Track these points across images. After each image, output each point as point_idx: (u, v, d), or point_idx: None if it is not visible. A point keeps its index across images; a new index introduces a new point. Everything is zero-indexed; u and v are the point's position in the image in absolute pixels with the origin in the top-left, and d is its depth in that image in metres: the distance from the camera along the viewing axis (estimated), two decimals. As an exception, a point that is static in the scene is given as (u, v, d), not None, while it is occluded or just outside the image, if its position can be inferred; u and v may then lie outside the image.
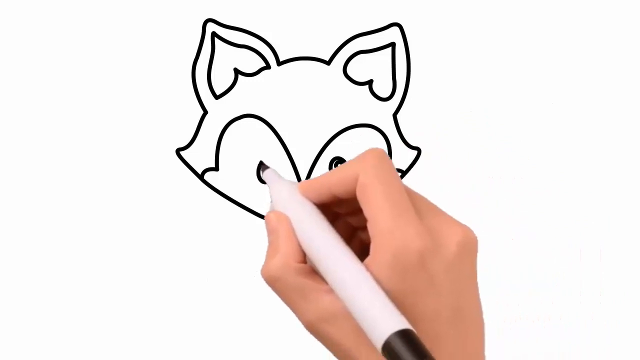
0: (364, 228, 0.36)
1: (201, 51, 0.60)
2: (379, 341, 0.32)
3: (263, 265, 0.38)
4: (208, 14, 0.60)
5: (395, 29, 0.60)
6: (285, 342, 0.60)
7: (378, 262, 0.35)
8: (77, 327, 0.60)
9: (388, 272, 0.34)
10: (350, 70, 0.60)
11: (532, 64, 0.60)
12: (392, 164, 0.37)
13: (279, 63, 0.60)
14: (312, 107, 0.60)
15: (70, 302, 0.60)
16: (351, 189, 0.37)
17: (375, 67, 0.60)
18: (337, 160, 0.59)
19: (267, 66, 0.60)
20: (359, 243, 0.40)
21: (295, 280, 0.37)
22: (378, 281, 0.34)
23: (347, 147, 0.59)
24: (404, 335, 0.31)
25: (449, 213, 0.38)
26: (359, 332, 0.34)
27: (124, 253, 0.60)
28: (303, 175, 0.59)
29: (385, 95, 0.60)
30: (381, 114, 0.60)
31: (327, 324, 0.36)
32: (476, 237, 0.37)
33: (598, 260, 0.61)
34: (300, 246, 0.37)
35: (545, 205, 0.60)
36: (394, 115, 0.60)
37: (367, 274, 0.34)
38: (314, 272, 0.37)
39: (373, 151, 0.37)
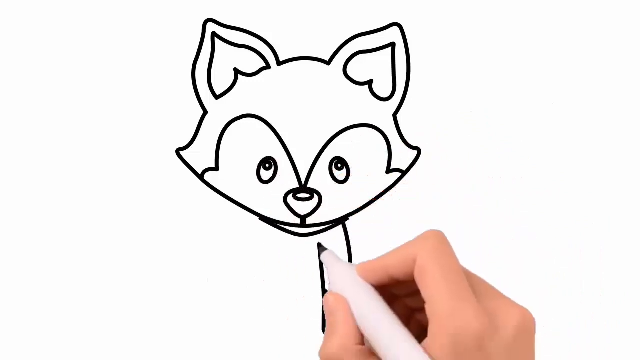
0: (422, 310, 0.37)
1: (201, 51, 0.60)
2: None
3: (322, 346, 0.38)
4: (208, 14, 0.60)
5: (395, 29, 0.60)
6: (285, 342, 0.61)
7: (437, 344, 0.35)
8: (77, 327, 0.60)
9: (446, 355, 0.34)
10: (350, 70, 0.60)
11: (532, 64, 0.60)
12: (450, 246, 0.37)
13: (279, 63, 0.60)
14: (312, 107, 0.60)
15: (70, 302, 0.60)
16: (409, 271, 0.37)
17: (375, 67, 0.60)
18: (337, 160, 0.59)
19: (267, 66, 0.60)
20: (417, 325, 0.40)
21: None
22: None
23: (347, 147, 0.59)
24: None
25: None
26: None
27: (124, 253, 0.60)
28: (303, 175, 0.59)
29: (385, 95, 0.60)
30: (381, 114, 0.60)
31: None
32: (534, 319, 0.37)
33: (598, 260, 0.61)
34: (358, 328, 0.38)
35: (545, 205, 0.61)
36: (394, 115, 0.60)
37: (426, 356, 0.35)
38: (373, 354, 0.37)
39: (431, 233, 0.38)
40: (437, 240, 0.37)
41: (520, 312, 0.37)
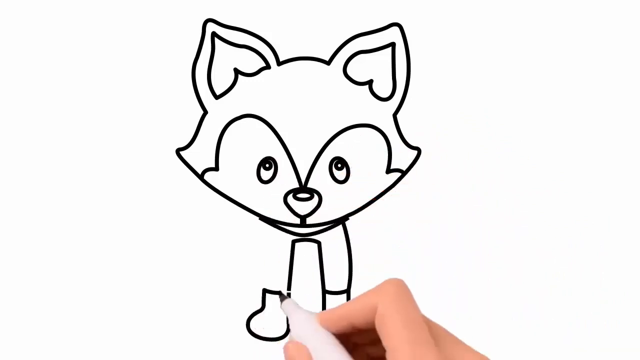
0: (383, 358, 0.37)
1: (201, 51, 0.60)
2: None
3: None
4: (208, 14, 0.60)
5: (395, 29, 0.60)
6: (284, 341, 0.60)
7: None
8: (77, 327, 0.60)
9: None
10: (350, 70, 0.60)
11: (532, 64, 0.60)
12: (410, 294, 0.38)
13: (279, 63, 0.60)
14: (312, 107, 0.60)
15: (70, 302, 0.60)
16: (370, 320, 0.37)
17: (375, 67, 0.60)
18: (337, 160, 0.59)
19: (267, 66, 0.60)
20: None
21: None
22: None
23: (347, 147, 0.59)
24: None
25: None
26: None
27: (124, 253, 0.60)
28: (303, 176, 0.59)
29: (385, 95, 0.60)
30: (381, 114, 0.60)
31: None
32: None
33: (598, 260, 0.61)
34: None
35: (545, 205, 0.61)
36: (394, 115, 0.60)
37: None
38: None
39: (391, 282, 0.38)
40: (398, 289, 0.38)
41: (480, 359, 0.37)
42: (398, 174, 0.60)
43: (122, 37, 0.60)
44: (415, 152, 0.60)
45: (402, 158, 0.60)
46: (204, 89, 0.60)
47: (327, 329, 0.39)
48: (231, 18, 0.60)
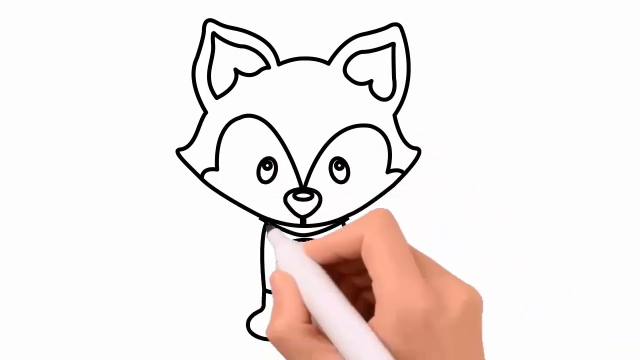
0: (369, 288, 0.37)
1: (201, 51, 0.60)
2: None
3: (268, 325, 0.38)
4: (208, 14, 0.60)
5: (395, 29, 0.60)
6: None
7: (383, 322, 0.35)
8: (77, 326, 0.60)
9: (393, 333, 0.35)
10: (350, 70, 0.60)
11: (532, 64, 0.60)
12: (397, 225, 0.37)
13: (279, 63, 0.60)
14: (312, 107, 0.60)
15: (70, 302, 0.60)
16: (356, 250, 0.37)
17: (375, 67, 0.60)
18: (337, 160, 0.59)
19: (267, 66, 0.60)
20: (363, 303, 0.40)
21: (301, 341, 0.37)
22: (383, 342, 0.35)
23: (347, 147, 0.59)
24: None
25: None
26: None
27: (124, 253, 0.60)
28: (303, 176, 0.59)
29: (385, 95, 0.60)
30: (381, 114, 0.60)
31: None
32: (481, 297, 0.38)
33: (598, 260, 0.61)
34: (305, 306, 0.38)
35: (546, 205, 0.60)
36: (394, 115, 0.60)
37: (373, 335, 0.35)
38: (320, 333, 0.37)
39: (378, 212, 0.38)
40: (385, 219, 0.37)
41: (467, 291, 0.37)
42: (398, 174, 0.60)
43: (122, 37, 0.60)
44: (415, 152, 0.60)
45: (402, 158, 0.60)
46: (204, 89, 0.60)
47: (314, 259, 0.39)
48: (231, 18, 0.60)
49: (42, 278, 0.60)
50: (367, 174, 0.60)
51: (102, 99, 0.60)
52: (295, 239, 0.60)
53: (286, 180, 0.59)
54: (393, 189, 0.60)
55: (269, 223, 0.44)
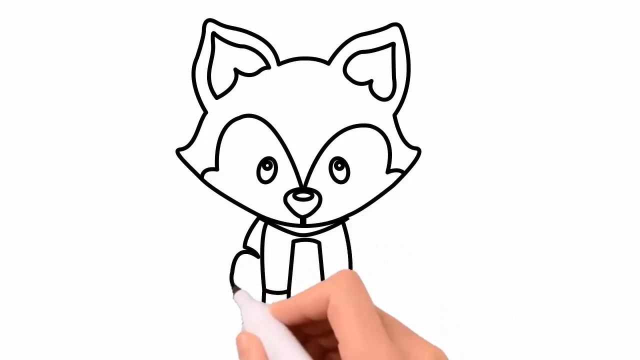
0: (336, 349, 0.37)
1: (201, 51, 0.60)
2: None
3: None
4: (208, 14, 0.60)
5: (395, 29, 0.60)
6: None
7: None
8: (77, 326, 0.60)
9: None
10: (350, 70, 0.60)
11: (532, 64, 0.60)
12: (363, 286, 0.38)
13: (279, 63, 0.60)
14: (312, 107, 0.60)
15: (70, 302, 0.60)
16: (322, 311, 0.37)
17: (375, 67, 0.60)
18: (337, 160, 0.59)
19: (267, 66, 0.60)
20: None
21: None
22: None
23: (347, 147, 0.59)
24: None
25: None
26: None
27: (124, 253, 0.60)
28: (303, 176, 0.59)
29: (385, 95, 0.60)
30: (381, 114, 0.60)
31: None
32: (447, 358, 0.38)
33: (597, 260, 0.61)
34: None
35: (546, 206, 0.60)
36: (394, 115, 0.60)
37: None
38: None
39: (344, 273, 0.38)
40: (350, 280, 0.37)
41: (432, 352, 0.37)
42: (398, 174, 0.60)
43: (122, 37, 0.60)
44: (415, 152, 0.60)
45: (402, 158, 0.60)
46: (204, 89, 0.60)
47: (280, 320, 0.39)
48: (231, 18, 0.60)
49: (42, 276, 0.60)
50: (367, 174, 0.60)
51: (102, 99, 0.60)
52: (295, 240, 0.60)
53: (286, 180, 0.60)
54: (393, 189, 0.60)
55: (234, 284, 0.45)
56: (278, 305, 0.40)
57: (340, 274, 0.38)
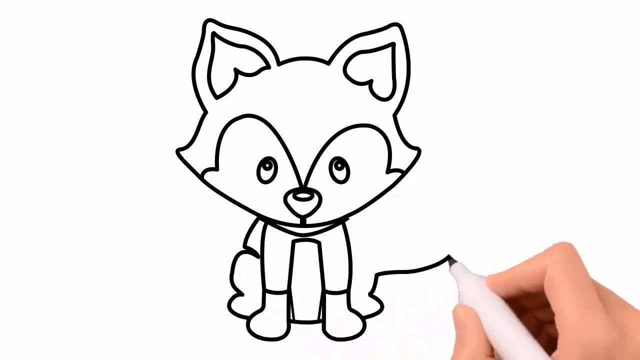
0: (552, 322, 0.37)
1: (201, 51, 0.60)
2: None
3: (451, 358, 0.39)
4: (208, 14, 0.60)
5: (395, 29, 0.60)
6: (285, 342, 0.61)
7: (566, 356, 0.35)
8: (77, 326, 0.60)
9: None
10: (350, 70, 0.60)
11: (532, 64, 0.60)
12: (579, 258, 0.38)
13: (279, 63, 0.60)
14: (312, 107, 0.60)
15: (69, 302, 0.60)
16: (539, 283, 0.38)
17: (375, 67, 0.60)
18: (337, 160, 0.59)
19: (267, 66, 0.60)
20: (546, 337, 0.41)
21: None
22: None
23: (347, 147, 0.59)
24: None
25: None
26: None
27: (124, 253, 0.60)
28: (303, 176, 0.59)
29: (385, 95, 0.60)
30: (381, 114, 0.60)
31: None
32: None
33: (598, 260, 0.61)
34: (488, 340, 0.38)
35: (546, 206, 0.60)
36: (394, 115, 0.60)
37: None
38: None
39: (561, 245, 0.38)
40: (567, 252, 0.38)
41: None
42: (398, 174, 0.60)
43: (122, 37, 0.60)
44: (415, 152, 0.60)
45: (402, 158, 0.60)
46: (204, 89, 0.60)
47: (496, 292, 0.39)
48: (231, 18, 0.60)
49: (42, 276, 0.60)
50: (367, 174, 0.60)
51: (102, 99, 0.60)
52: (295, 240, 0.60)
53: (286, 180, 0.60)
54: (393, 189, 0.60)
55: (451, 257, 0.45)
56: (495, 277, 0.40)
57: (556, 246, 0.38)
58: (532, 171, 0.61)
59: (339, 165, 0.59)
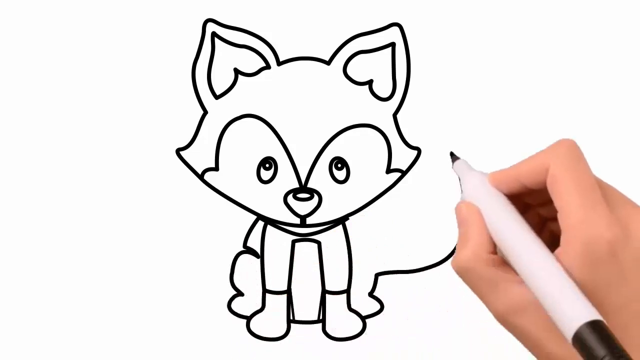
0: (555, 219, 0.37)
1: (201, 51, 0.60)
2: (569, 332, 0.32)
3: (454, 256, 0.38)
4: (208, 14, 0.60)
5: (395, 29, 0.60)
6: (285, 342, 0.60)
7: (569, 252, 0.35)
8: (77, 326, 0.60)
9: (579, 263, 0.34)
10: (350, 70, 0.60)
11: (532, 64, 0.60)
12: (582, 155, 0.37)
13: (279, 63, 0.60)
14: (312, 107, 0.60)
15: (69, 302, 0.60)
16: (542, 180, 0.37)
17: (375, 67, 0.60)
18: (337, 160, 0.59)
19: (267, 66, 0.60)
20: (549, 234, 0.40)
21: (486, 271, 0.37)
22: (568, 272, 0.34)
23: (347, 147, 0.59)
24: (595, 326, 0.32)
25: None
26: (549, 323, 0.34)
27: (124, 253, 0.60)
28: (303, 176, 0.59)
29: (385, 95, 0.60)
30: (381, 114, 0.60)
31: (517, 315, 0.36)
32: None
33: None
34: (490, 237, 0.37)
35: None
36: (394, 115, 0.60)
37: (558, 265, 0.35)
38: (505, 263, 0.37)
39: (564, 142, 0.38)
40: (570, 149, 0.37)
41: None
42: (398, 174, 0.60)
43: (122, 37, 0.60)
44: (415, 152, 0.60)
45: (402, 158, 0.60)
46: (204, 89, 0.60)
47: (499, 189, 0.39)
48: (231, 18, 0.60)
49: (42, 276, 0.60)
50: (367, 174, 0.60)
51: (102, 99, 0.60)
52: (295, 240, 0.60)
53: (286, 180, 0.59)
54: (393, 189, 0.60)
55: (453, 153, 0.44)
56: (497, 174, 0.39)
57: (560, 142, 0.38)
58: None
59: (339, 165, 0.59)
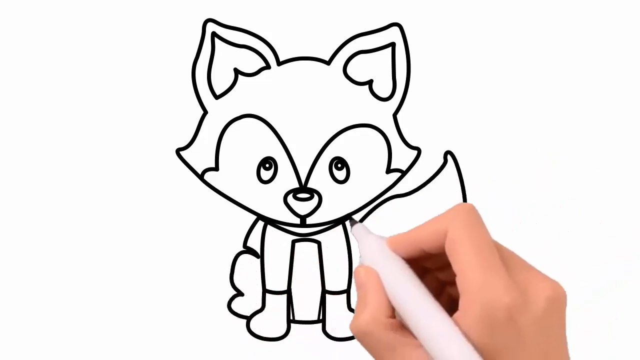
0: (453, 283, 0.37)
1: (201, 51, 0.60)
2: None
3: (352, 320, 0.38)
4: (208, 14, 0.60)
5: (395, 29, 0.60)
6: (286, 342, 0.61)
7: (467, 317, 0.35)
8: (77, 326, 0.60)
9: (477, 327, 0.34)
10: (350, 70, 0.60)
11: (532, 64, 0.60)
12: (480, 219, 0.37)
13: (279, 63, 0.60)
14: (312, 107, 0.60)
15: (69, 302, 0.60)
16: (440, 244, 0.37)
17: (375, 67, 0.60)
18: (337, 160, 0.59)
19: (267, 66, 0.60)
20: (447, 298, 0.40)
21: (385, 335, 0.37)
22: (467, 336, 0.35)
23: (347, 147, 0.59)
24: None
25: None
26: None
27: (124, 253, 0.60)
28: (303, 176, 0.59)
29: (385, 95, 0.60)
30: (381, 114, 0.60)
31: None
32: (565, 292, 0.37)
33: (598, 260, 0.61)
34: (389, 301, 0.37)
35: (546, 207, 0.60)
36: (394, 115, 0.60)
37: (456, 329, 0.35)
38: (403, 327, 0.37)
39: (461, 206, 0.38)
40: (468, 213, 0.37)
41: (551, 286, 0.37)
42: (398, 174, 0.60)
43: (122, 37, 0.60)
44: (415, 152, 0.60)
45: (402, 158, 0.60)
46: (204, 89, 0.60)
47: (397, 253, 0.39)
48: (231, 18, 0.60)
49: (42, 276, 0.60)
50: (367, 174, 0.60)
51: (102, 99, 0.60)
52: (295, 240, 0.60)
53: (286, 180, 0.60)
54: (393, 189, 0.60)
55: (353, 219, 0.44)
56: (395, 238, 0.39)
57: (457, 207, 0.38)
58: (532, 171, 0.60)
59: (339, 165, 0.59)
